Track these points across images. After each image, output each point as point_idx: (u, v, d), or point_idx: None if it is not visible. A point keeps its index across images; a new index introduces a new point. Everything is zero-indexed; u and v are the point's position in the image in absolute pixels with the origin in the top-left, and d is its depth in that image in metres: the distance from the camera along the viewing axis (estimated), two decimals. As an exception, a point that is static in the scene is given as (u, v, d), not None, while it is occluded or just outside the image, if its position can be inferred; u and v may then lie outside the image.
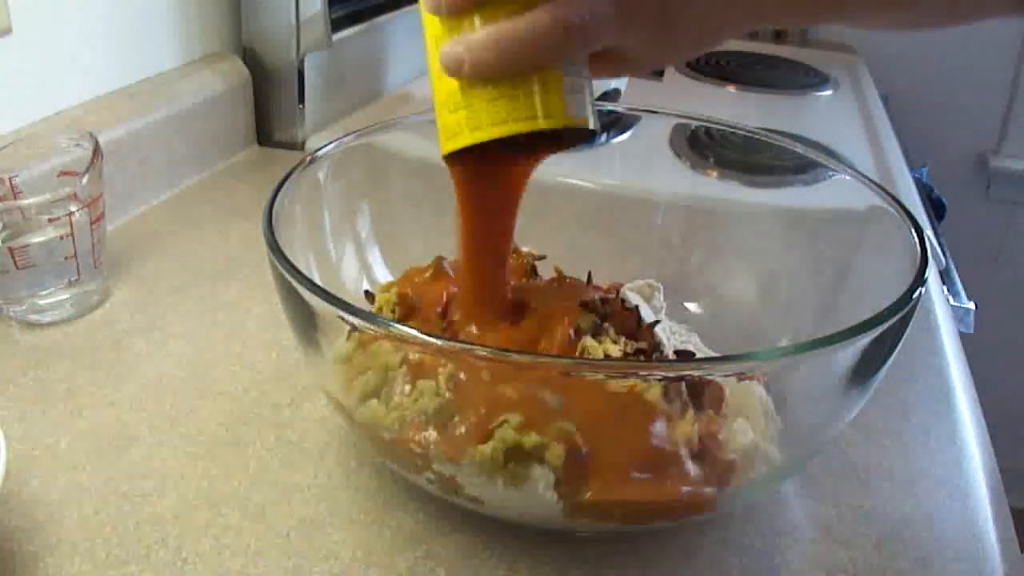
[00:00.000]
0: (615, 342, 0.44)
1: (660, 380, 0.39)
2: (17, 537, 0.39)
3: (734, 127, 0.57)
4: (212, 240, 0.68)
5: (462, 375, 0.39)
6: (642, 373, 0.40)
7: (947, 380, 0.56)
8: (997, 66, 1.57)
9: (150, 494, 0.42)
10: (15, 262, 0.53)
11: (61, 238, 0.53)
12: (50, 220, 0.53)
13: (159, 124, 0.72)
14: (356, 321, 0.36)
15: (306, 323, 0.40)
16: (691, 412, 0.39)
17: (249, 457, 0.45)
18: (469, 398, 0.39)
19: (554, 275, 0.49)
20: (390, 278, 0.52)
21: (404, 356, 0.41)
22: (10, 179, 0.54)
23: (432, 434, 0.38)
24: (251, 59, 0.83)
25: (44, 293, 0.55)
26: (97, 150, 0.55)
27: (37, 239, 0.53)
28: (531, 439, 0.37)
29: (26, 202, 0.52)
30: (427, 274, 0.48)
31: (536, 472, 0.37)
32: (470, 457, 0.37)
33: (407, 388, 0.40)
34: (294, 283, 0.37)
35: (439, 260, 0.49)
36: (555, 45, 0.35)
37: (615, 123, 0.82)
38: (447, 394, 0.39)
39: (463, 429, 0.38)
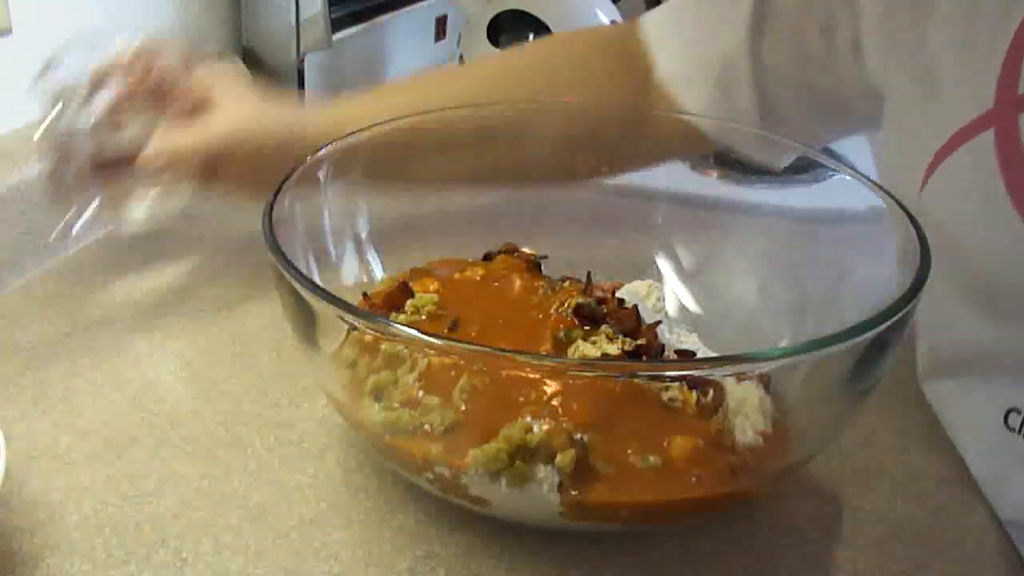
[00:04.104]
0: (613, 340, 0.44)
1: (662, 380, 0.40)
2: (17, 537, 0.39)
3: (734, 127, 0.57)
4: (212, 240, 0.68)
5: (476, 384, 0.39)
6: (642, 373, 0.40)
7: (947, 380, 0.56)
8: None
9: (150, 494, 0.42)
10: (108, 162, 0.52)
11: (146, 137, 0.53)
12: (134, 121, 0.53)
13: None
14: (356, 321, 0.36)
15: (306, 323, 0.40)
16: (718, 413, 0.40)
17: (249, 457, 0.45)
18: (479, 408, 0.39)
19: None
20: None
21: (410, 358, 0.41)
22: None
23: (438, 447, 0.38)
24: (251, 59, 0.83)
25: (136, 196, 0.55)
26: (147, 46, 0.54)
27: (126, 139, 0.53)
28: (535, 437, 0.37)
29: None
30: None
31: (541, 472, 0.37)
32: (474, 458, 0.37)
33: (415, 396, 0.40)
34: (294, 283, 0.37)
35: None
36: None
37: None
38: (462, 406, 0.39)
39: (468, 433, 0.38)
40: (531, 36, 0.91)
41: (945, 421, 0.50)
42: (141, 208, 0.54)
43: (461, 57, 0.98)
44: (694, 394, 0.40)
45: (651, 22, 0.59)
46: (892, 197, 0.46)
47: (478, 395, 0.39)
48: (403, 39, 1.04)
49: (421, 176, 0.58)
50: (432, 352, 0.40)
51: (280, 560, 0.39)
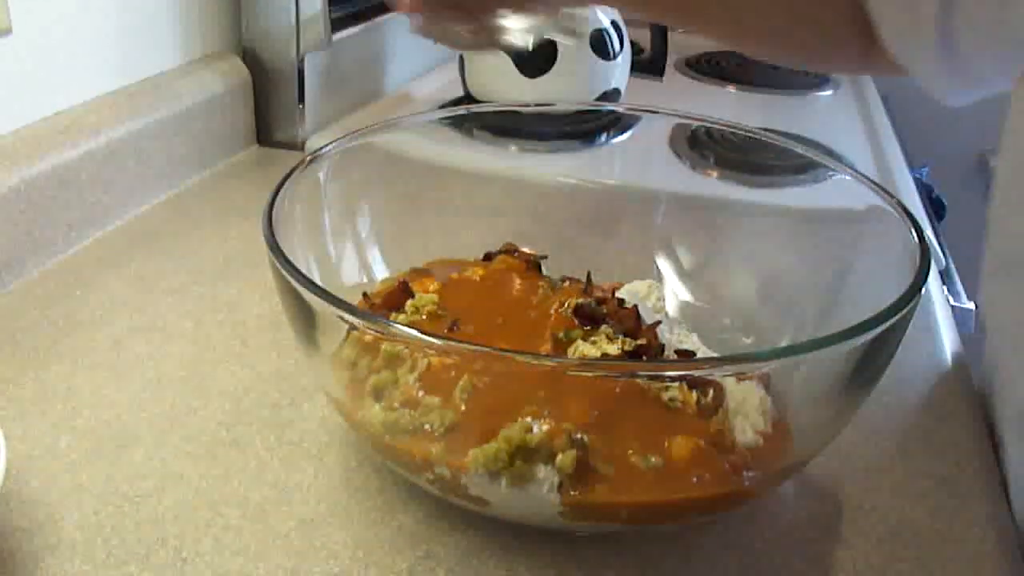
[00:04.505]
0: (613, 340, 0.44)
1: (662, 380, 0.40)
2: (17, 537, 0.40)
3: (734, 127, 0.57)
4: (212, 240, 0.68)
5: (476, 384, 0.39)
6: (642, 373, 0.40)
7: (947, 380, 0.56)
8: (997, 66, 1.57)
9: (150, 494, 0.42)
10: None
11: None
12: None
13: (159, 124, 0.72)
14: (356, 321, 0.36)
15: (306, 323, 0.40)
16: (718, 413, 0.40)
17: (249, 457, 0.45)
18: (479, 408, 0.39)
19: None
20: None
21: (410, 358, 0.41)
22: None
23: (438, 447, 0.38)
24: (251, 59, 0.83)
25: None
26: None
27: None
28: (535, 437, 0.37)
29: None
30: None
31: (541, 472, 0.37)
32: (474, 458, 0.37)
33: (415, 396, 0.40)
34: (294, 283, 0.37)
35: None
36: None
37: (615, 123, 0.82)
38: (462, 406, 0.39)
39: (468, 433, 0.38)
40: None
41: (990, 324, 0.51)
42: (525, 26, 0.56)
43: (461, 57, 0.98)
44: (694, 394, 0.40)
45: None
46: (892, 197, 0.46)
47: (478, 395, 0.39)
48: (403, 39, 1.04)
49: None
50: (432, 352, 0.40)
51: (280, 560, 0.39)
